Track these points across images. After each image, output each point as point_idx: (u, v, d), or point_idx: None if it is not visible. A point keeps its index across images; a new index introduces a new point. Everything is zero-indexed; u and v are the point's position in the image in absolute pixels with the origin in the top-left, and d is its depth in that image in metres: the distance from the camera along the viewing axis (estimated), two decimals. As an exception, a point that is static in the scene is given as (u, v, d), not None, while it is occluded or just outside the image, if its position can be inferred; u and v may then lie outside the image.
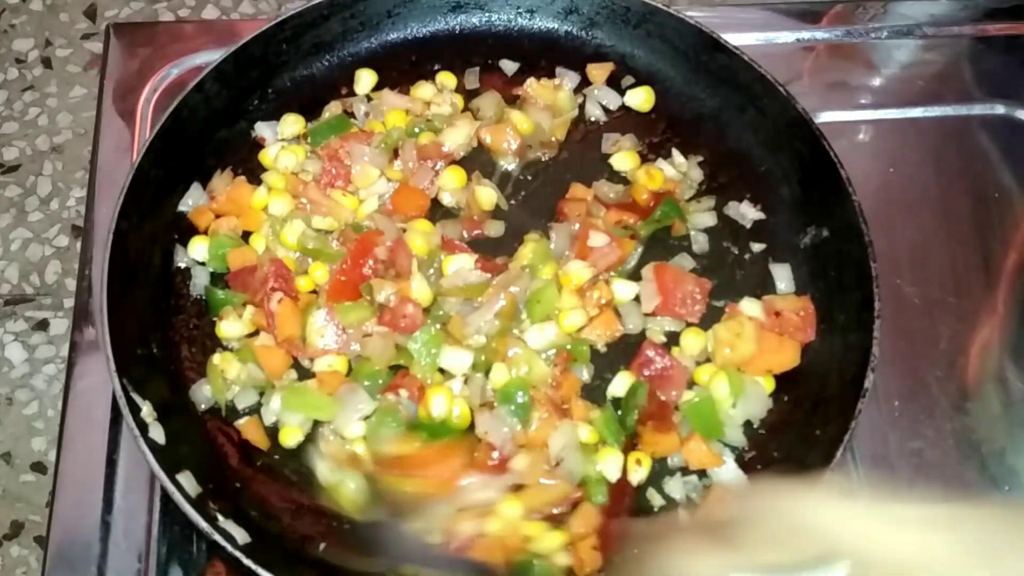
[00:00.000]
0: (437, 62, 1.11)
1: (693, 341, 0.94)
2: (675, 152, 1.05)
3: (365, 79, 1.08)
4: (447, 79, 1.09)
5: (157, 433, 0.84)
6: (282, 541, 0.84)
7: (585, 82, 1.10)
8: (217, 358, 0.91)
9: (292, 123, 1.05)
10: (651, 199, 1.02)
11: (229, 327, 0.93)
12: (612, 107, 1.09)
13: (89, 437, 0.93)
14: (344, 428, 0.88)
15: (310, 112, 1.07)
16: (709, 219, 1.02)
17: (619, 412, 0.91)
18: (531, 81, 1.08)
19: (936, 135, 1.17)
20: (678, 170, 1.04)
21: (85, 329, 0.99)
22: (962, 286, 1.06)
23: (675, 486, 0.88)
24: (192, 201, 1.00)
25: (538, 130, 1.06)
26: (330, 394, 0.89)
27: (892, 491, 0.56)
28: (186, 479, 0.82)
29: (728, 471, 0.88)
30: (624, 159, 1.06)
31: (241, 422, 0.90)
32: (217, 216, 1.00)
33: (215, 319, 0.94)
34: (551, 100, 1.08)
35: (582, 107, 1.09)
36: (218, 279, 0.97)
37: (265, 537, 0.83)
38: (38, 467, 1.72)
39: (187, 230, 0.99)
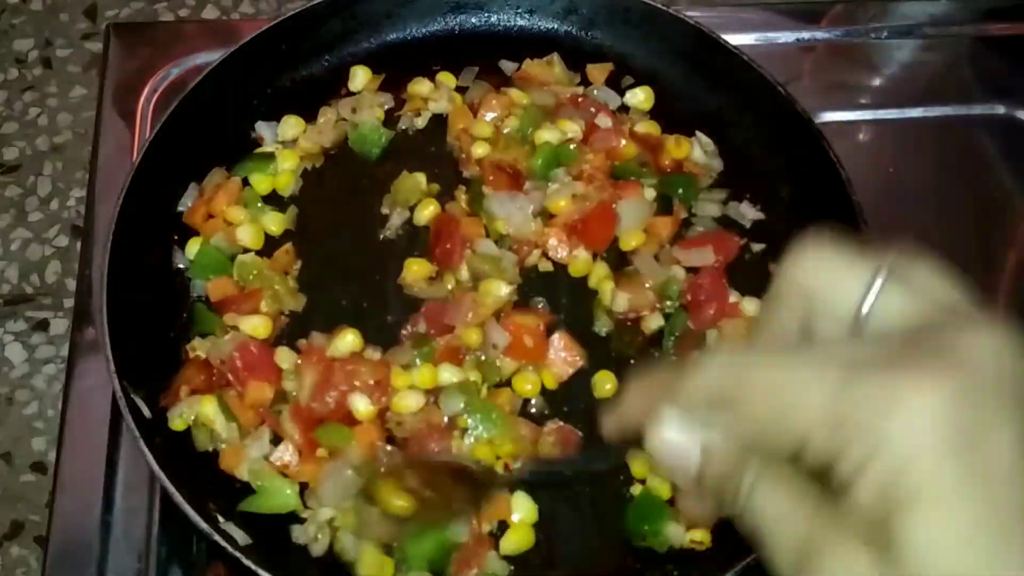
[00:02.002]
0: (436, 62, 1.11)
1: None
2: (700, 134, 1.05)
3: (360, 76, 1.08)
4: (446, 79, 1.09)
5: (157, 434, 0.84)
6: (283, 542, 0.84)
7: (585, 82, 1.10)
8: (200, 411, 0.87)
9: (292, 125, 1.04)
10: (671, 167, 1.03)
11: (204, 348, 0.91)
12: (612, 107, 1.09)
13: (89, 437, 0.93)
14: (329, 505, 0.84)
15: (310, 112, 1.06)
16: (715, 209, 1.02)
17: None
18: (527, 61, 1.08)
19: (936, 135, 1.17)
20: (704, 150, 1.04)
21: (85, 329, 0.99)
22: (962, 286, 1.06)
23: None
24: (190, 202, 1.00)
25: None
26: (313, 476, 0.85)
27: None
28: (186, 480, 0.82)
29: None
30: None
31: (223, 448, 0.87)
32: (210, 216, 0.99)
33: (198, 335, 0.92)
34: (549, 77, 1.08)
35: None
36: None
37: (266, 538, 0.82)
38: (38, 467, 1.73)
39: (187, 230, 0.99)
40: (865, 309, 0.41)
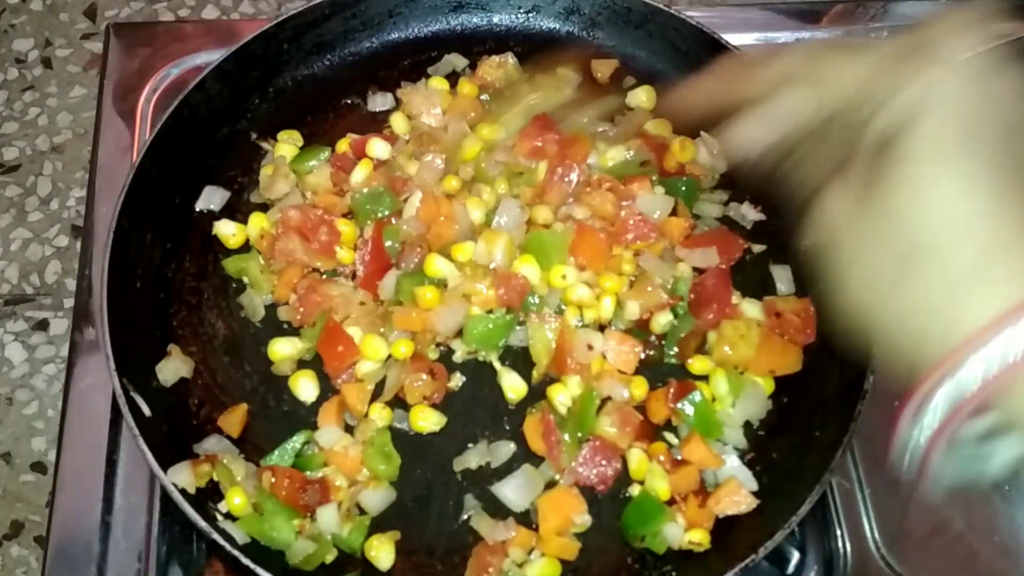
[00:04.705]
0: (437, 63, 1.11)
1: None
2: (705, 135, 1.04)
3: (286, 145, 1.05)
4: (439, 83, 1.08)
5: (157, 432, 0.84)
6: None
7: (587, 80, 1.10)
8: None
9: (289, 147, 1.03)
10: (675, 169, 1.02)
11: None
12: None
13: (89, 437, 0.93)
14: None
15: (310, 112, 1.07)
16: (716, 211, 1.02)
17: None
18: (483, 60, 1.08)
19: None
20: (710, 151, 1.04)
21: (85, 329, 0.99)
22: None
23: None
24: (209, 205, 1.00)
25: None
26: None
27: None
28: (186, 479, 0.82)
29: (729, 471, 0.88)
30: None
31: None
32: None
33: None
34: (502, 78, 1.08)
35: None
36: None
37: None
38: (38, 467, 1.73)
39: (189, 230, 0.99)
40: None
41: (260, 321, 0.95)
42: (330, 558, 0.82)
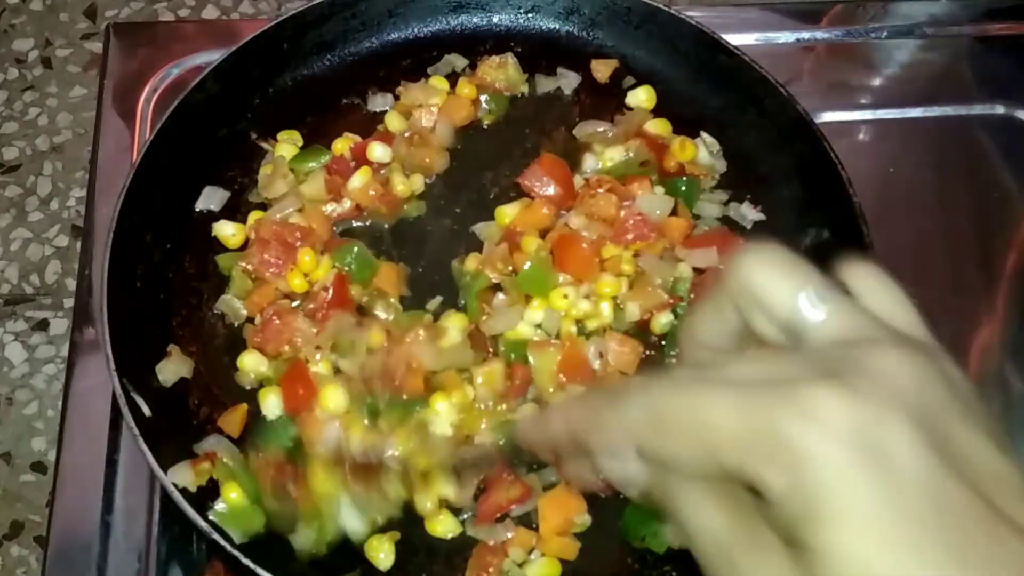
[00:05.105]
0: (437, 63, 1.11)
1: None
2: (705, 135, 1.05)
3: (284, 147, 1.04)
4: (439, 83, 1.08)
5: (157, 432, 0.84)
6: (282, 540, 0.84)
7: (587, 81, 1.10)
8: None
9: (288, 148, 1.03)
10: (675, 170, 1.02)
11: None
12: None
13: (89, 437, 0.93)
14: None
15: (310, 112, 1.07)
16: (716, 211, 1.02)
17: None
18: (483, 60, 1.09)
19: (936, 135, 1.17)
20: (709, 150, 1.04)
21: (85, 329, 0.99)
22: (962, 286, 1.06)
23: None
24: (209, 205, 1.00)
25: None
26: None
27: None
28: (186, 478, 0.82)
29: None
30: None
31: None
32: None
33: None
34: (502, 78, 1.08)
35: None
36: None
37: (265, 536, 0.82)
38: (38, 467, 1.73)
39: (189, 230, 0.99)
40: (798, 317, 0.42)
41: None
42: (331, 534, 0.80)
